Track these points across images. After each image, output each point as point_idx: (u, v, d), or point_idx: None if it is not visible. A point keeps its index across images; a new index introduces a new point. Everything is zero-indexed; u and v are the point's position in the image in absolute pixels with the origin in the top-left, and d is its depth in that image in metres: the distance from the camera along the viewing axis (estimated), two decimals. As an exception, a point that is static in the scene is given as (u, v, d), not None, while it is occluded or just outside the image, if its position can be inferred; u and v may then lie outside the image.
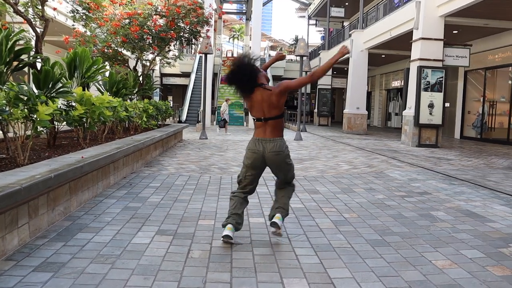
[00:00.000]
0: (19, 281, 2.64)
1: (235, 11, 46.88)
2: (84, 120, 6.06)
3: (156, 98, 29.76)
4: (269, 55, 41.14)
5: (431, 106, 13.43)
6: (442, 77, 13.40)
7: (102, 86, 9.31)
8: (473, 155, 11.09)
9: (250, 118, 22.64)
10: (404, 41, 15.52)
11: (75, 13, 9.82)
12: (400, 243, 3.64)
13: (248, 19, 35.46)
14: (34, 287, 2.57)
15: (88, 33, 10.88)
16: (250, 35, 33.10)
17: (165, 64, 13.58)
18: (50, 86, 5.64)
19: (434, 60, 13.40)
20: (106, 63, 11.28)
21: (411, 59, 14.01)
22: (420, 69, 13.28)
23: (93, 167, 4.63)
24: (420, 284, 2.79)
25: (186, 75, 31.70)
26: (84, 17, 10.00)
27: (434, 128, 13.54)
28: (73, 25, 10.27)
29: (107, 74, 9.38)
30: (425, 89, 13.37)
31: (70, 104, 6.07)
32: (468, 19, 13.62)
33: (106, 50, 10.73)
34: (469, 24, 14.15)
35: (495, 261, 3.24)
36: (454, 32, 15.43)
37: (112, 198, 4.95)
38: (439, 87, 13.44)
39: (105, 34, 10.69)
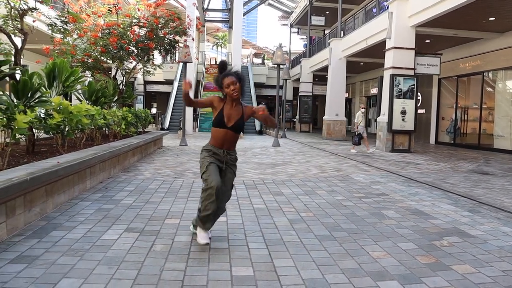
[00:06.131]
0: (-5, 271, 2.97)
1: (220, 19, 47.47)
2: (62, 128, 6.37)
3: (140, 106, 30.12)
4: (253, 62, 41.66)
5: (403, 112, 13.97)
6: (413, 85, 13.95)
7: (82, 95, 9.62)
8: (442, 160, 11.60)
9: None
10: (380, 49, 16.08)
11: (53, 26, 10.15)
12: (346, 237, 4.03)
13: (231, 27, 35.92)
14: (9, 275, 2.90)
15: (71, 41, 11.17)
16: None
17: (145, 73, 13.93)
18: (29, 95, 5.96)
19: (406, 68, 13.96)
20: (87, 72, 11.60)
21: (384, 67, 14.56)
22: (393, 77, 13.82)
23: (68, 172, 4.96)
24: (353, 271, 3.18)
25: (170, 82, 32.03)
26: (62, 29, 10.33)
27: (406, 134, 14.07)
28: (51, 37, 10.56)
29: (86, 83, 9.69)
30: (398, 96, 13.91)
31: (49, 112, 6.38)
32: (438, 29, 14.24)
33: (86, 60, 11.04)
34: (439, 34, 14.78)
35: (425, 252, 3.65)
36: (426, 41, 16.05)
37: (87, 200, 5.27)
38: (411, 95, 14.00)
39: (85, 44, 11.01)
